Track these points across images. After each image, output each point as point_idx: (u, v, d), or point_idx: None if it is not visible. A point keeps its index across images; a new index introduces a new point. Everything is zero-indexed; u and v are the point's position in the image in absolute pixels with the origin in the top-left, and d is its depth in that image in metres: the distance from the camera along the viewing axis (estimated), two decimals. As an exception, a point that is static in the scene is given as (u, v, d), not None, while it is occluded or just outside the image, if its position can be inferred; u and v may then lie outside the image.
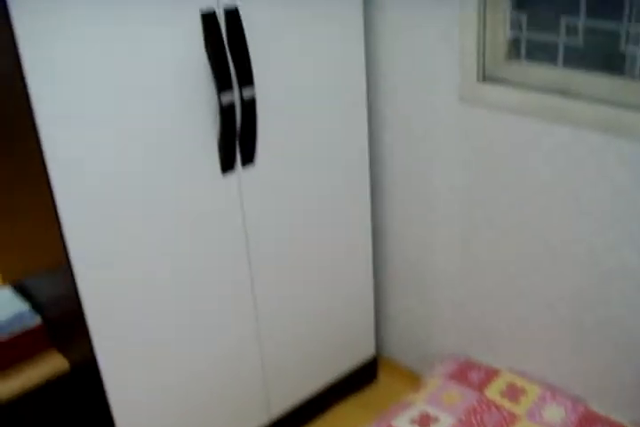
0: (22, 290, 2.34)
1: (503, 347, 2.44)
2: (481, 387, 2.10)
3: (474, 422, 1.98)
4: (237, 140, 1.97)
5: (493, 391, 2.08)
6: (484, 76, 2.11)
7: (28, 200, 1.92)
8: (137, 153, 1.82)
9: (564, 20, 1.94)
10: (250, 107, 1.95)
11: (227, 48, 1.86)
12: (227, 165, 1.99)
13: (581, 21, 1.91)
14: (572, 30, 1.94)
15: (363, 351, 2.74)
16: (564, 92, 1.97)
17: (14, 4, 1.49)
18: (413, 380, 2.81)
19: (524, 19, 2.02)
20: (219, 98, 1.88)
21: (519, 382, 2.11)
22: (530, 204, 2.14)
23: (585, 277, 2.09)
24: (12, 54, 1.55)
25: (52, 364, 2.18)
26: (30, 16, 1.52)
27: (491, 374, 2.15)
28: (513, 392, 2.08)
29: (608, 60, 1.91)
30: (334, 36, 2.15)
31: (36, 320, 2.22)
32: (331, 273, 2.47)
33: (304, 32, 2.07)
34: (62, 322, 2.12)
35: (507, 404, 2.03)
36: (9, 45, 1.54)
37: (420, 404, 2.07)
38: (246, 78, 1.91)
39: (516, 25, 2.04)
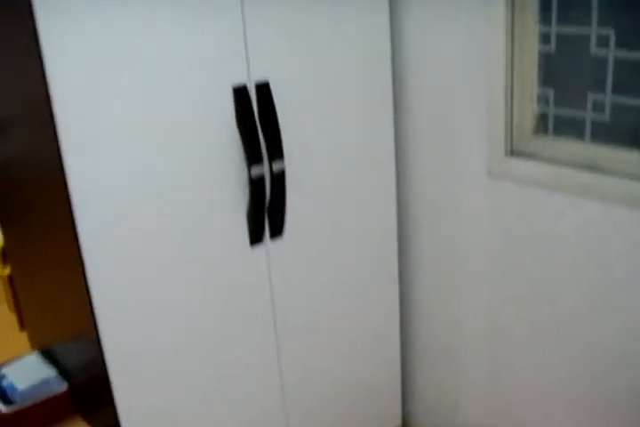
0: (50, 356, 2.35)
1: (530, 421, 2.39)
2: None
3: None
4: (266, 212, 2.00)
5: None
6: (512, 151, 2.12)
7: (57, 266, 1.95)
8: (166, 224, 1.85)
9: (590, 97, 1.96)
10: (279, 179, 1.98)
11: (257, 121, 1.90)
12: (255, 238, 2.01)
13: (608, 98, 1.93)
14: (598, 106, 1.96)
15: (389, 422, 2.71)
16: (591, 167, 1.98)
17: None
18: (440, 452, 2.76)
19: (551, 94, 2.04)
20: (249, 171, 1.91)
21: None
22: (559, 278, 2.13)
23: (617, 352, 2.07)
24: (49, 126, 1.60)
25: (77, 431, 2.19)
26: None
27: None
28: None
29: (635, 135, 1.92)
30: (363, 110, 2.19)
31: (62, 387, 2.23)
32: (358, 345, 2.46)
33: (334, 105, 2.11)
34: (88, 389, 2.12)
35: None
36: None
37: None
38: (276, 152, 1.95)
39: (543, 100, 2.06)
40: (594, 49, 1.91)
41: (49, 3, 1.51)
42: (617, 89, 1.91)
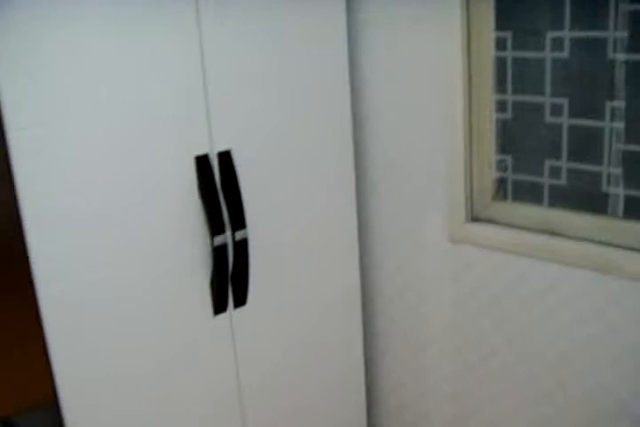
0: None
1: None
2: None
3: None
4: (229, 281, 1.98)
5: None
6: (472, 216, 2.15)
7: (17, 337, 1.90)
8: (127, 294, 1.82)
9: (547, 162, 2.01)
10: (242, 247, 1.97)
11: (220, 191, 1.90)
12: (219, 308, 1.98)
13: (564, 163, 1.98)
14: (555, 171, 2.00)
15: None
16: (551, 232, 2.01)
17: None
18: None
19: (509, 160, 2.08)
20: (211, 240, 1.90)
21: None
22: (522, 342, 2.13)
23: (580, 416, 2.06)
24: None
25: None
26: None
27: None
28: None
29: (592, 199, 1.96)
30: (324, 178, 2.21)
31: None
32: (324, 413, 2.42)
33: (295, 173, 2.12)
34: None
35: None
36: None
37: None
38: (239, 221, 1.94)
39: (501, 166, 2.10)
40: (548, 117, 1.96)
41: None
42: (572, 155, 1.96)
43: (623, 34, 1.79)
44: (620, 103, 1.84)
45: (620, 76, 1.83)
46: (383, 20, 2.16)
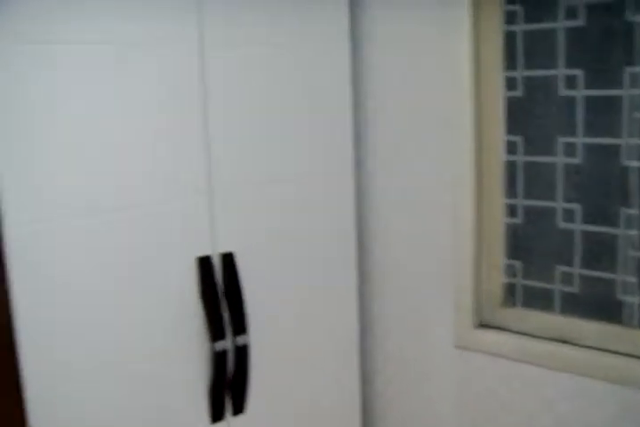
0: None
1: None
2: None
3: None
4: (228, 388, 1.89)
5: None
6: (480, 322, 2.08)
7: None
8: (122, 402, 1.73)
9: (558, 269, 1.96)
10: (243, 353, 1.89)
11: (221, 294, 1.83)
12: (216, 416, 1.89)
13: (576, 270, 1.93)
14: (567, 278, 1.95)
15: None
16: (562, 339, 1.95)
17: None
18: None
19: (518, 265, 2.03)
20: (212, 345, 1.82)
21: None
22: (532, 455, 2.04)
23: None
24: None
25: None
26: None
27: None
28: None
29: (605, 307, 1.91)
30: (327, 289, 2.16)
31: None
32: None
33: (298, 275, 2.07)
34: None
35: None
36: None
37: None
38: (240, 326, 1.87)
39: (511, 271, 2.05)
40: (560, 223, 1.93)
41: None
42: (585, 261, 1.91)
43: (636, 141, 1.78)
44: (634, 211, 1.81)
45: (633, 183, 1.80)
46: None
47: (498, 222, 2.03)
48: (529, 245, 2.01)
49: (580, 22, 1.81)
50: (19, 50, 1.47)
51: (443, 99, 2.04)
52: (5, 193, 1.48)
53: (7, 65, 1.46)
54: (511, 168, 1.99)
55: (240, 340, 1.87)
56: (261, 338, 1.97)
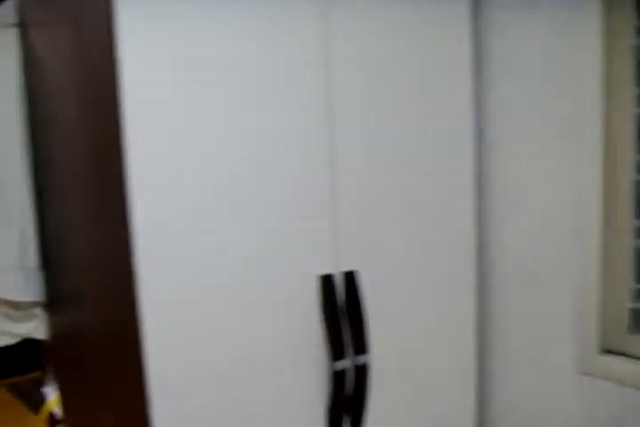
0: None
1: None
2: None
3: None
4: (346, 407, 1.87)
5: None
6: (606, 348, 2.01)
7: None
8: (235, 418, 1.74)
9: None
10: (362, 373, 1.86)
11: (343, 313, 1.82)
12: (334, 436, 1.88)
13: None
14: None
15: None
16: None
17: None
18: None
19: (645, 292, 1.96)
20: (332, 364, 1.81)
21: None
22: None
23: None
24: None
25: None
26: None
27: None
28: None
29: None
30: (445, 310, 2.12)
31: None
32: None
33: (418, 296, 2.03)
34: None
35: None
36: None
37: None
38: (361, 346, 1.85)
39: (638, 296, 1.97)
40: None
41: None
42: None
43: None
44: None
45: None
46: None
47: (626, 245, 1.95)
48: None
49: None
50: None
51: (569, 113, 1.98)
52: (137, 208, 1.53)
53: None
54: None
55: (360, 360, 1.85)
56: (380, 357, 1.94)
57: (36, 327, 2.26)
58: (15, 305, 2.21)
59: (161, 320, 1.59)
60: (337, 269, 1.82)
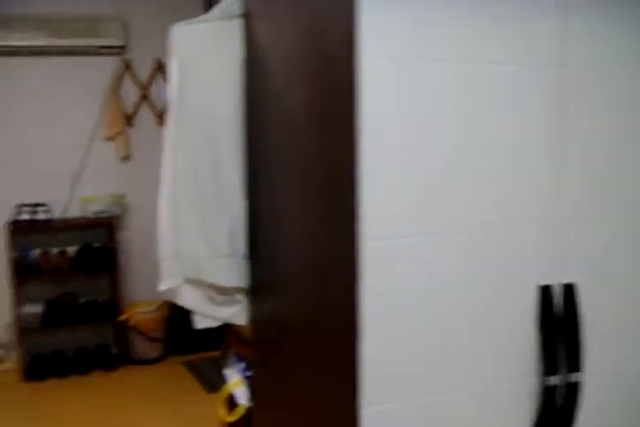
0: None
1: None
2: None
3: None
4: (554, 425, 1.79)
5: None
6: None
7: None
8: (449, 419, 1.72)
9: None
10: (572, 391, 1.78)
11: (559, 326, 1.74)
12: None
13: None
14: None
15: None
16: None
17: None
18: None
19: None
20: (543, 379, 1.74)
21: None
22: None
23: None
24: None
25: None
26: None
27: None
28: None
29: None
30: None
31: None
32: None
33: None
34: None
35: None
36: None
37: None
38: (575, 364, 1.77)
39: None
40: None
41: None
42: None
43: None
44: None
45: None
46: None
47: None
48: None
49: None
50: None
51: None
52: (365, 208, 1.52)
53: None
54: None
55: (573, 377, 1.77)
56: (592, 375, 1.85)
57: (237, 313, 2.32)
58: (220, 290, 2.28)
59: (379, 320, 1.58)
60: (557, 281, 1.75)
